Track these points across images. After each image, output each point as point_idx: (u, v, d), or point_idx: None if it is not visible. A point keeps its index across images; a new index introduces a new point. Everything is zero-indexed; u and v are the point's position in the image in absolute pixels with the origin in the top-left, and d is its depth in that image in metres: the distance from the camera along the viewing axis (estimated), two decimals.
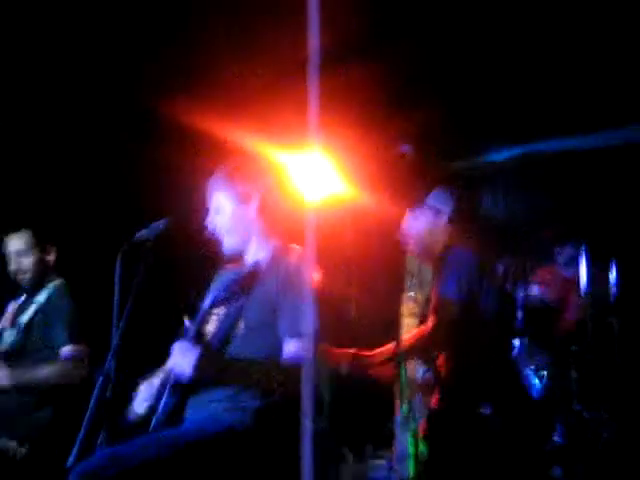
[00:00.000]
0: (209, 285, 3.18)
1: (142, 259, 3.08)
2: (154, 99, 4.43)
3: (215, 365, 2.75)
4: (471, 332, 3.66)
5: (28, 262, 3.83)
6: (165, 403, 2.82)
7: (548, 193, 5.24)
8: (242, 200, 2.96)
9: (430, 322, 3.65)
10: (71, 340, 3.67)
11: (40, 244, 3.87)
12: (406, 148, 4.60)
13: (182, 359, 2.73)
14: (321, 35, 1.89)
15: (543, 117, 4.87)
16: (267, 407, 2.76)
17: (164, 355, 3.19)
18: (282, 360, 2.76)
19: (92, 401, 2.98)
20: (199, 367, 2.69)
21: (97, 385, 3.00)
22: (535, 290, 4.63)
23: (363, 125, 4.62)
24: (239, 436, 2.69)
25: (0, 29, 4.14)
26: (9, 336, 3.63)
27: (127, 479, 2.51)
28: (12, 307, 3.79)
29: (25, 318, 3.73)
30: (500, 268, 4.27)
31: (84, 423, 2.94)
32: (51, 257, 3.89)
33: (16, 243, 3.85)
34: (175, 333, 3.19)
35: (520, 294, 4.30)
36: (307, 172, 4.08)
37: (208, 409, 2.79)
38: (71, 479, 2.55)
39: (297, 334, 2.75)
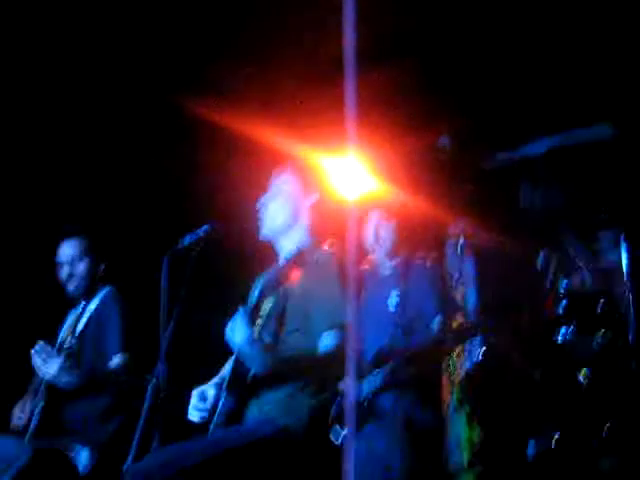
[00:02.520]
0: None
1: (188, 264, 3.13)
2: (200, 104, 4.47)
3: (274, 357, 2.78)
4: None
5: (81, 269, 3.84)
6: (223, 405, 2.87)
7: (587, 182, 5.21)
8: (306, 192, 3.07)
9: None
10: (123, 348, 3.70)
11: (93, 251, 3.87)
12: (444, 141, 4.60)
13: (237, 332, 2.74)
14: (358, 35, 1.91)
15: (578, 106, 4.84)
16: (320, 405, 2.81)
17: (212, 359, 3.25)
18: (321, 353, 2.80)
19: (145, 406, 3.06)
20: (260, 356, 2.71)
21: (148, 390, 3.07)
22: (578, 278, 4.60)
23: (400, 124, 4.63)
24: (295, 436, 2.74)
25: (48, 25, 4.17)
26: (67, 344, 3.68)
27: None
28: (72, 317, 3.83)
29: (79, 327, 3.75)
30: (541, 259, 4.26)
31: (138, 428, 3.01)
32: (102, 265, 3.91)
33: (70, 249, 3.85)
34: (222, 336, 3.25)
35: (563, 283, 4.28)
36: (346, 173, 4.12)
37: (264, 412, 2.83)
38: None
39: (334, 326, 2.77)
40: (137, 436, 2.99)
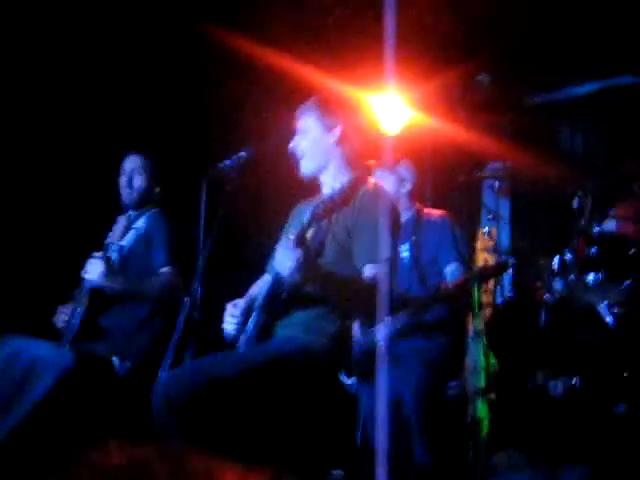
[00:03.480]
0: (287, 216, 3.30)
1: (226, 187, 3.22)
2: (237, 38, 4.51)
3: (314, 270, 2.85)
4: None
5: (138, 182, 4.03)
6: (256, 321, 2.96)
7: (628, 127, 5.16)
8: (328, 127, 3.07)
9: None
10: (169, 262, 3.84)
11: (150, 170, 4.05)
12: (483, 77, 4.57)
13: (285, 258, 2.81)
14: None
15: (622, 50, 4.77)
16: (343, 331, 2.91)
17: (245, 280, 3.35)
18: (358, 279, 2.88)
19: (179, 321, 3.18)
20: (301, 267, 2.77)
21: (184, 306, 3.20)
22: (613, 225, 4.60)
23: (439, 59, 4.60)
24: (314, 356, 2.85)
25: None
26: (111, 252, 3.83)
27: (201, 394, 2.68)
28: (121, 222, 3.98)
29: (125, 245, 3.90)
30: (576, 202, 4.27)
31: (172, 342, 3.15)
32: (157, 187, 4.08)
33: (133, 163, 4.06)
34: (256, 259, 3.35)
35: (595, 228, 4.28)
36: (384, 106, 4.13)
37: (289, 330, 2.94)
38: (155, 390, 2.75)
39: (373, 260, 2.87)
40: (171, 350, 3.12)
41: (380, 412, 2.40)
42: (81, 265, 3.77)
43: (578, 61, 4.92)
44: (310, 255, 2.88)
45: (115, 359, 3.62)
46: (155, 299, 3.78)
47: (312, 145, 3.08)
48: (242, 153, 3.25)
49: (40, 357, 3.40)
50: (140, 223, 3.95)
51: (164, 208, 4.03)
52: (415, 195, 4.16)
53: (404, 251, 3.99)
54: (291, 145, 3.14)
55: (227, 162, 3.25)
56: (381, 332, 3.07)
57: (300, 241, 2.86)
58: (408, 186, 4.12)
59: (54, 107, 4.85)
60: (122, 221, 3.93)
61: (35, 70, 4.72)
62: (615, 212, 4.62)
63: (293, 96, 3.75)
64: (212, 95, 5.03)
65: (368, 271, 2.88)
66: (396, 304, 3.33)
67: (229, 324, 3.05)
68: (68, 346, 3.60)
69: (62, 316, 3.79)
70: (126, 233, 3.91)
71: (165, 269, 3.81)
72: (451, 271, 3.96)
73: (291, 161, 3.16)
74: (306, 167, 3.11)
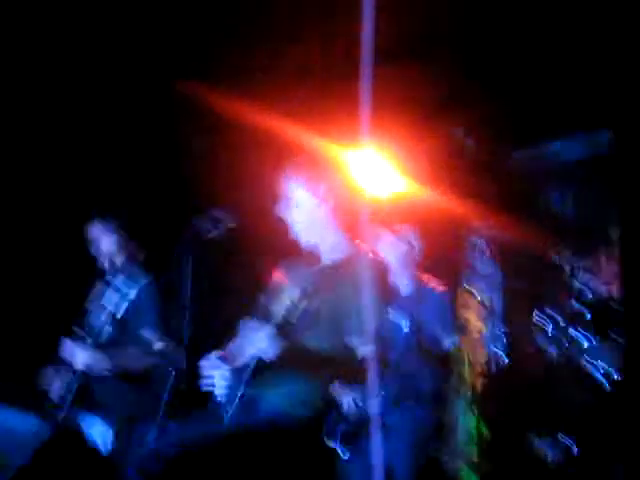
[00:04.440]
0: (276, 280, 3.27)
1: (208, 252, 3.19)
2: (214, 96, 4.50)
3: (297, 351, 2.83)
4: None
5: (107, 245, 4.01)
6: (242, 394, 2.89)
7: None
8: (323, 198, 3.04)
9: None
10: (160, 337, 3.81)
11: (116, 229, 4.03)
12: (467, 140, 4.60)
13: (266, 342, 2.80)
14: (375, 33, 1.94)
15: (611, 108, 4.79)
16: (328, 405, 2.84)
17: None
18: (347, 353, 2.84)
19: (166, 392, 3.13)
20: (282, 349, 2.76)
21: (170, 377, 3.16)
22: (601, 286, 4.57)
23: (420, 121, 4.63)
24: (302, 430, 2.79)
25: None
26: (105, 331, 3.80)
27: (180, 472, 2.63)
28: (99, 286, 3.96)
29: (118, 314, 3.83)
30: (566, 266, 4.26)
31: (160, 412, 3.09)
32: (140, 253, 4.07)
33: (96, 228, 4.04)
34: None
35: (588, 291, 4.26)
36: (364, 169, 4.12)
37: (275, 403, 2.87)
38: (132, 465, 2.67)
39: (363, 333, 2.81)
40: (157, 422, 3.07)
41: None
42: (59, 329, 3.74)
43: (563, 119, 4.94)
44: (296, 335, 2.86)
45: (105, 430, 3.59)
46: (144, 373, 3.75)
47: (309, 218, 3.04)
48: (220, 214, 3.21)
49: (17, 429, 3.35)
50: (132, 294, 3.85)
51: (154, 279, 3.98)
52: (422, 264, 4.13)
53: (405, 326, 3.92)
54: (282, 213, 3.10)
55: (204, 224, 3.20)
56: (373, 404, 3.01)
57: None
58: (415, 252, 4.10)
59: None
60: (100, 285, 3.91)
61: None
62: (607, 270, 4.59)
63: (272, 152, 3.77)
64: (184, 149, 5.04)
65: (359, 346, 2.83)
66: (389, 372, 3.29)
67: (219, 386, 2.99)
68: (62, 416, 3.57)
69: (47, 380, 3.74)
70: (116, 301, 3.85)
71: (159, 344, 3.79)
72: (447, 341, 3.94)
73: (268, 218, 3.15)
74: (307, 239, 3.06)
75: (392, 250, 4.02)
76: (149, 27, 4.38)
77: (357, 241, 3.07)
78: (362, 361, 2.74)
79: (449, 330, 3.94)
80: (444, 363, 3.88)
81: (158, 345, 3.79)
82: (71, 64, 4.55)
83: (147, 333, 3.83)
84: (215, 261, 3.16)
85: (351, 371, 2.77)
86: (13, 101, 4.57)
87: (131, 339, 3.83)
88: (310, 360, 2.86)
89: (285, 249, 3.16)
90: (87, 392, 3.73)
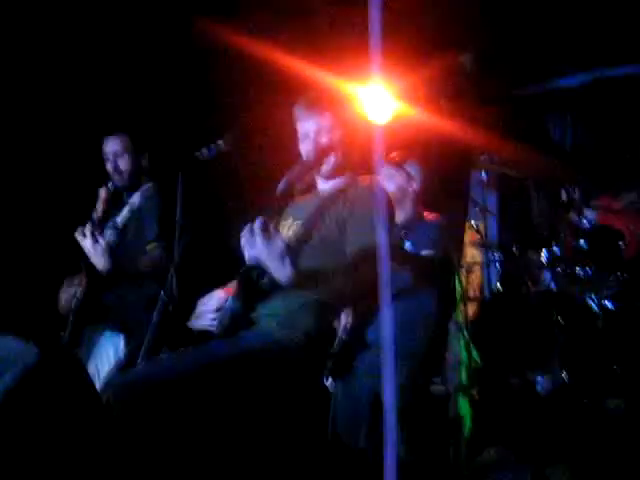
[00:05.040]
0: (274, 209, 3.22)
1: (203, 177, 3.15)
2: (223, 29, 4.44)
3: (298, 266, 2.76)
4: None
5: (124, 163, 4.03)
6: (229, 310, 2.87)
7: (620, 121, 5.11)
8: (328, 128, 3.00)
9: None
10: (161, 237, 3.81)
11: (135, 147, 4.05)
12: (465, 57, 4.51)
13: (267, 248, 2.72)
14: None
15: (615, 42, 4.71)
16: (325, 326, 2.81)
17: (226, 272, 3.27)
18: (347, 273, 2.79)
19: (155, 315, 3.11)
20: (284, 257, 2.70)
21: (159, 302, 3.14)
22: (593, 216, 4.54)
23: (425, 52, 4.55)
24: (287, 354, 2.74)
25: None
26: (109, 235, 3.80)
27: (162, 392, 2.54)
28: (103, 195, 3.96)
29: (120, 220, 3.87)
30: (564, 195, 4.22)
31: (147, 337, 3.08)
32: (145, 161, 4.08)
33: (114, 144, 4.05)
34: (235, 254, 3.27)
35: (585, 221, 4.24)
36: (371, 99, 4.06)
37: (265, 322, 2.84)
38: (108, 391, 2.59)
39: (367, 245, 2.78)
40: (145, 347, 3.06)
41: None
42: (67, 243, 3.74)
43: (567, 52, 4.87)
44: (294, 249, 2.80)
45: (121, 337, 3.59)
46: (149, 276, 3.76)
47: (309, 145, 3.02)
48: (220, 142, 3.18)
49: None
50: (134, 198, 3.92)
51: (157, 182, 4.01)
52: (421, 197, 4.05)
53: (408, 245, 3.89)
54: (309, 147, 3.03)
55: (205, 150, 3.17)
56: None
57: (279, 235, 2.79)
58: (415, 185, 4.02)
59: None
60: (103, 194, 3.93)
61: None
62: (604, 203, 4.57)
63: (279, 87, 3.72)
64: (195, 79, 5.00)
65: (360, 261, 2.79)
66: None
67: (202, 320, 2.96)
68: (70, 328, 3.59)
69: (65, 296, 3.79)
70: (120, 208, 3.91)
71: (153, 244, 3.81)
72: None
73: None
74: (313, 164, 3.02)
75: (390, 181, 3.96)
76: None
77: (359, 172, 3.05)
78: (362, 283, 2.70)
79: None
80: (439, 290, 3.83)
81: (153, 245, 3.81)
82: None
83: (149, 235, 3.86)
84: (207, 183, 3.11)
85: (347, 292, 2.76)
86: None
87: (133, 243, 3.88)
88: (305, 280, 2.80)
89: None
90: (102, 299, 3.80)
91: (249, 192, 4.25)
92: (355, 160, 3.08)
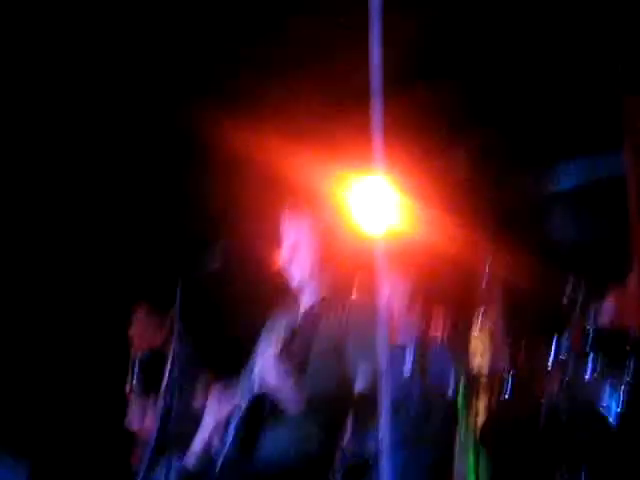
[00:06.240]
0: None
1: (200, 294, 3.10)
2: (218, 128, 4.45)
3: (301, 386, 2.74)
4: None
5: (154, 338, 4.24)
6: (233, 439, 2.81)
7: (621, 216, 5.12)
8: (315, 237, 2.98)
9: None
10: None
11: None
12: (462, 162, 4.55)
13: (269, 372, 2.73)
14: (383, 62, 1.88)
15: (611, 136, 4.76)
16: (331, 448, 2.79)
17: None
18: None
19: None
20: (287, 383, 2.70)
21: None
22: (607, 311, 4.50)
23: (427, 150, 4.58)
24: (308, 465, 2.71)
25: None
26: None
27: None
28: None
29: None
30: (568, 290, 4.18)
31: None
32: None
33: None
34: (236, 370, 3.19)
35: (591, 316, 4.18)
36: (371, 200, 4.05)
37: (273, 450, 2.78)
38: None
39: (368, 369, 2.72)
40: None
41: None
42: None
43: (568, 150, 4.92)
44: (297, 370, 2.76)
45: None
46: None
47: (301, 258, 2.97)
48: (217, 246, 3.13)
49: None
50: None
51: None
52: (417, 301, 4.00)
53: (406, 370, 3.82)
54: (283, 260, 3.00)
55: (202, 259, 3.11)
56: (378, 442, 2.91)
57: (285, 355, 2.77)
58: (419, 295, 3.97)
59: None
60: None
61: None
62: (611, 300, 4.52)
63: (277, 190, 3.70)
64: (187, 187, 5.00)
65: (360, 382, 2.75)
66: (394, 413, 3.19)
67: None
68: None
69: None
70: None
71: None
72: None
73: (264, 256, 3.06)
74: (300, 278, 2.98)
75: (394, 292, 3.89)
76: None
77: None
78: (363, 402, 2.67)
79: (451, 378, 3.83)
80: (449, 408, 3.79)
81: None
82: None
83: None
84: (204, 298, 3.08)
85: (352, 412, 2.75)
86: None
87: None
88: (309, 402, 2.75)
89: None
90: None
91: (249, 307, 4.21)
92: (340, 273, 3.02)
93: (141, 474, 3.20)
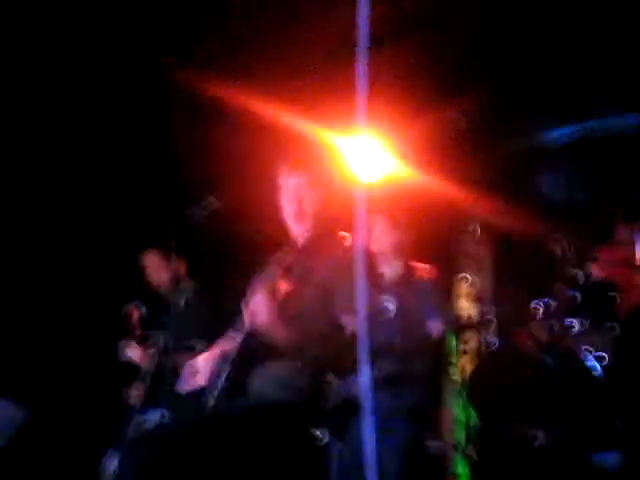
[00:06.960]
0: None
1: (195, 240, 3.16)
2: (210, 83, 4.46)
3: (289, 324, 2.82)
4: None
5: (163, 276, 4.27)
6: (225, 375, 2.89)
7: (611, 171, 5.13)
8: (312, 187, 3.05)
9: None
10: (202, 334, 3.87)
11: (171, 259, 4.20)
12: (456, 116, 4.54)
13: (259, 311, 2.80)
14: (370, 16, 1.88)
15: (604, 93, 4.75)
16: (319, 385, 2.84)
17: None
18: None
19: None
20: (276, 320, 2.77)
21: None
22: (596, 269, 4.54)
23: (415, 106, 4.57)
24: (288, 414, 2.78)
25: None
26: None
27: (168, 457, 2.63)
28: (135, 314, 4.24)
29: (171, 322, 4.09)
30: (558, 249, 4.22)
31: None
32: (182, 268, 4.28)
33: (151, 259, 4.36)
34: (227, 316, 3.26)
35: (579, 274, 4.23)
36: (358, 154, 4.07)
37: (262, 386, 2.87)
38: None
39: (354, 309, 2.78)
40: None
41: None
42: None
43: (560, 104, 4.90)
44: (285, 308, 2.83)
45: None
46: None
47: (292, 203, 3.05)
48: (210, 199, 3.18)
49: None
50: (180, 301, 4.17)
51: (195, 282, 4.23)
52: (403, 247, 4.05)
53: (390, 306, 3.89)
54: (283, 211, 3.06)
55: (195, 209, 3.17)
56: (361, 382, 2.98)
57: (273, 294, 2.83)
58: (406, 239, 4.02)
59: None
60: (136, 315, 4.20)
61: None
62: (599, 256, 4.56)
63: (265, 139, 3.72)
64: (181, 138, 5.02)
65: (347, 322, 2.82)
66: (378, 354, 3.25)
67: (192, 382, 2.94)
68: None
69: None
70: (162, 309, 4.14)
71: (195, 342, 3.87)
72: (434, 326, 3.87)
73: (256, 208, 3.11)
74: (297, 226, 3.06)
75: (382, 236, 3.94)
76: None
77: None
78: (349, 343, 2.68)
79: (436, 317, 3.87)
80: (434, 348, 3.82)
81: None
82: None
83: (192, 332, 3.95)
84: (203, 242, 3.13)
85: (342, 350, 2.77)
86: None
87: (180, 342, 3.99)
88: (295, 342, 2.85)
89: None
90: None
91: (245, 250, 4.27)
92: (334, 218, 3.08)
93: (138, 405, 3.27)
